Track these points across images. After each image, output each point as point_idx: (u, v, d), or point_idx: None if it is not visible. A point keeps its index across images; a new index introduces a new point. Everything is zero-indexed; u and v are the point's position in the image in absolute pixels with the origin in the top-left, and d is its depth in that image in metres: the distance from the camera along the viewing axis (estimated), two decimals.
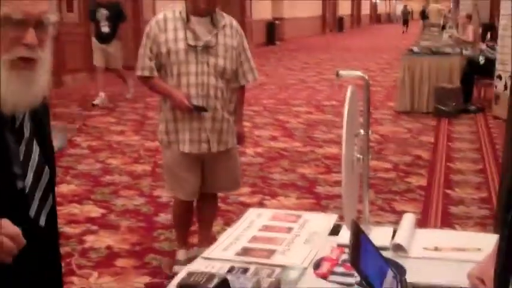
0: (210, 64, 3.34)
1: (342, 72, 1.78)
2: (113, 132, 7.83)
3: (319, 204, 4.89)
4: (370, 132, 1.81)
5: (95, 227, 4.45)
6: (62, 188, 5.37)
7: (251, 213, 2.13)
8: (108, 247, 4.10)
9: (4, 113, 1.42)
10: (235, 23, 3.50)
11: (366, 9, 46.84)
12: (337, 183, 5.44)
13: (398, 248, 1.76)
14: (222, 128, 3.45)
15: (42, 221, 1.55)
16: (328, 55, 19.34)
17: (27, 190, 1.50)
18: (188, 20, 3.35)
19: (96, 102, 9.84)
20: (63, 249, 4.04)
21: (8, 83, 1.39)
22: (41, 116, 1.58)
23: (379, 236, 1.83)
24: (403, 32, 35.42)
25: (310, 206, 4.82)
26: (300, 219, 2.06)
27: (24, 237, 1.41)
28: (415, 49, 10.02)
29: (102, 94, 9.92)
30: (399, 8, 48.66)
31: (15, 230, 1.35)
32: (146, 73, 3.40)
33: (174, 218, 3.86)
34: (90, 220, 4.60)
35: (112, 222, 4.56)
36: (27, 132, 1.50)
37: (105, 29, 9.56)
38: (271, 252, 1.79)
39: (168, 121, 3.46)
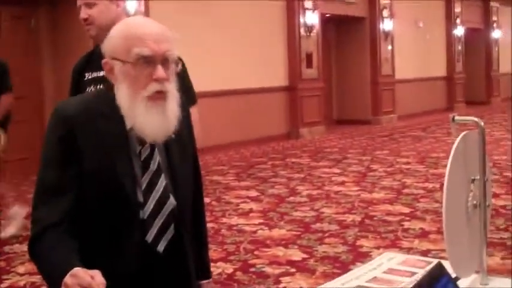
0: None
1: (457, 118, 1.81)
2: (334, 182, 8.11)
3: None
4: (486, 179, 1.80)
5: (293, 270, 4.69)
6: (273, 232, 5.75)
7: (384, 257, 2.20)
8: None
9: (133, 148, 1.73)
10: None
11: None
12: None
13: None
14: None
15: (160, 248, 1.75)
16: None
17: (145, 217, 1.74)
18: None
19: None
20: (259, 287, 4.36)
21: (146, 114, 1.67)
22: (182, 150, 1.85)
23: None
24: None
25: None
26: (428, 265, 2.08)
27: (141, 261, 1.68)
28: None
29: (15, 208, 5.88)
30: None
31: (87, 280, 1.47)
32: None
33: None
34: (291, 263, 4.86)
35: (310, 266, 4.77)
36: (153, 166, 1.76)
37: None
38: None
39: None
